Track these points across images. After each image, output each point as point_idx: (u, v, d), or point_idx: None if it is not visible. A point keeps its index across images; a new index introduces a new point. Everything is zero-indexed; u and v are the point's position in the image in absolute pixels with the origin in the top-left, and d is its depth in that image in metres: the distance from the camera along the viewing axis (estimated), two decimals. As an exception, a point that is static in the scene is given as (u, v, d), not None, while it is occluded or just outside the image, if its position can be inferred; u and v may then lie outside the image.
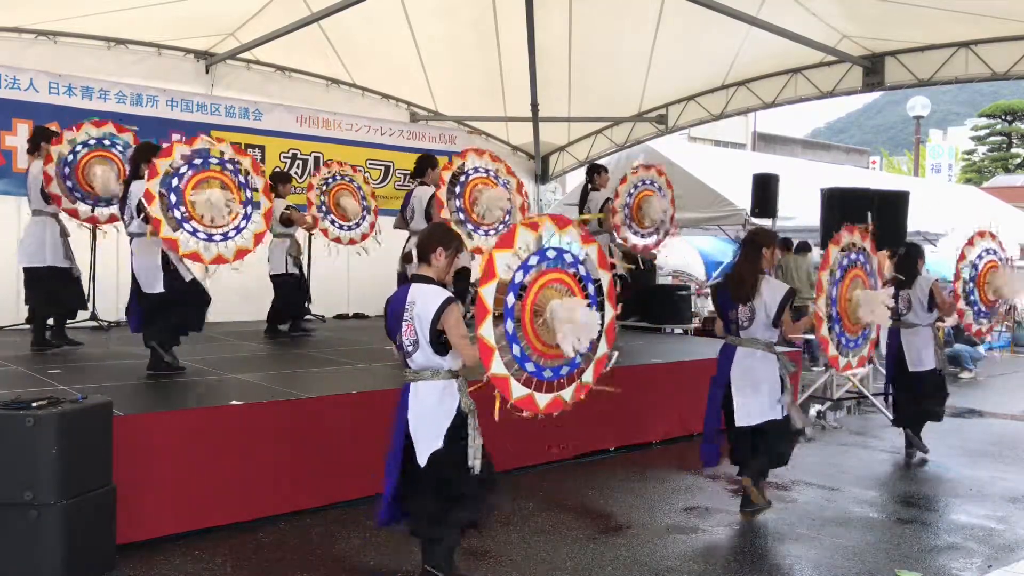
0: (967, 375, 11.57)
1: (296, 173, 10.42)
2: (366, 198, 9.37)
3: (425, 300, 3.58)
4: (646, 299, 11.05)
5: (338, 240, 9.20)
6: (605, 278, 3.72)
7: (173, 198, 5.34)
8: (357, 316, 10.85)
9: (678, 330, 11.08)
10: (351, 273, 10.62)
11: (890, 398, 7.38)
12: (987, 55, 8.99)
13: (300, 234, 8.75)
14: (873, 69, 9.88)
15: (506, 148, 13.42)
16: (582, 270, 3.62)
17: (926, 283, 6.95)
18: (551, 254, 3.49)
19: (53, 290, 6.92)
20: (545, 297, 3.49)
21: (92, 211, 7.32)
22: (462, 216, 6.85)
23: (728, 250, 15.31)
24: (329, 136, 11.05)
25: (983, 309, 6.58)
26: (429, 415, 3.63)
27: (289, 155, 10.71)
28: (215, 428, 4.69)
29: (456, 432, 3.61)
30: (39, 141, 6.93)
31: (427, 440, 3.62)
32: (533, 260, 3.42)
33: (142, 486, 4.28)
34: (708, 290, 16.52)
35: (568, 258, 3.57)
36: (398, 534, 4.61)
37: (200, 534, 4.48)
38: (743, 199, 10.98)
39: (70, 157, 6.89)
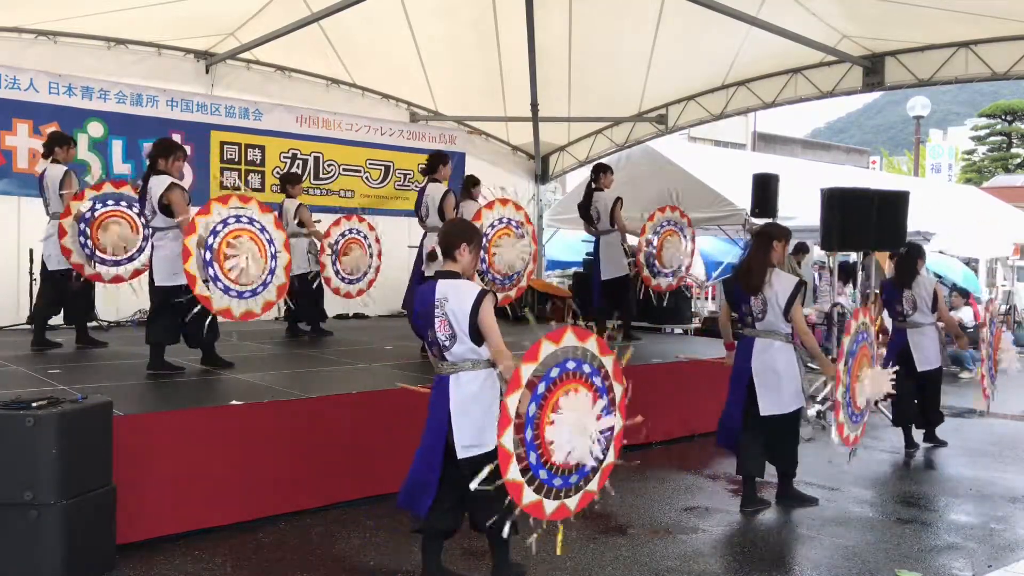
0: (967, 375, 11.57)
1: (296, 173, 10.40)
2: (373, 255, 8.88)
3: (459, 295, 3.64)
4: (646, 299, 11.06)
5: (337, 292, 8.70)
6: (618, 389, 3.72)
7: (207, 255, 5.48)
8: (357, 316, 10.85)
9: (678, 330, 11.08)
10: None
11: (890, 398, 7.38)
12: (987, 55, 8.99)
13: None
14: (873, 69, 9.88)
15: (506, 148, 13.44)
16: (598, 381, 3.62)
17: (929, 283, 6.98)
18: (571, 365, 3.52)
19: (62, 292, 6.94)
20: (557, 406, 3.52)
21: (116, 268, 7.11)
22: (489, 276, 6.85)
23: (728, 250, 15.29)
24: (329, 136, 11.06)
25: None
26: (471, 404, 3.68)
27: (289, 155, 10.71)
28: (215, 428, 4.70)
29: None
30: (54, 146, 6.95)
31: (470, 430, 3.67)
32: (554, 372, 3.46)
33: (142, 486, 4.28)
34: (708, 290, 16.57)
35: (586, 368, 3.58)
36: (398, 534, 4.62)
37: (200, 534, 4.48)
38: (743, 199, 10.96)
39: (82, 226, 6.78)
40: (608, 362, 3.66)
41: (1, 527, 3.60)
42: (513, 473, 3.36)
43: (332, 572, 4.14)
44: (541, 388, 3.42)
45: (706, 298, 16.40)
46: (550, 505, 3.52)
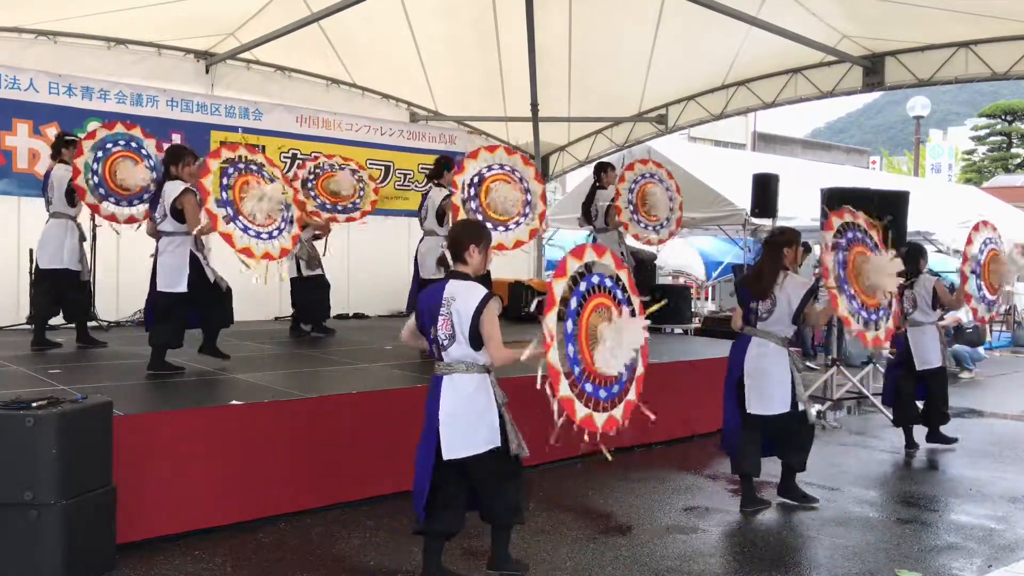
0: (967, 375, 11.57)
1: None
2: (357, 171, 8.85)
3: (466, 296, 3.66)
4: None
5: (335, 218, 8.63)
6: (636, 301, 3.92)
7: (224, 195, 5.54)
8: (357, 316, 10.85)
9: (678, 330, 11.08)
10: (351, 274, 10.63)
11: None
12: (987, 55, 8.99)
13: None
14: (873, 69, 9.89)
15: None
16: (619, 294, 3.80)
17: (929, 282, 6.98)
18: (595, 280, 3.69)
19: (61, 292, 6.95)
20: (594, 322, 3.66)
21: (130, 208, 7.06)
22: (480, 216, 6.81)
23: (728, 250, 15.32)
24: (329, 136, 11.06)
25: (988, 296, 6.60)
26: (462, 407, 3.69)
27: (289, 155, 10.70)
28: (215, 428, 4.69)
29: (502, 427, 3.75)
30: (60, 147, 6.97)
31: (459, 432, 3.69)
32: (583, 286, 3.63)
33: (142, 486, 4.28)
34: (708, 290, 16.58)
35: (608, 283, 3.76)
36: (398, 534, 4.62)
37: (200, 534, 4.48)
38: (743, 199, 10.98)
39: (95, 165, 6.78)
40: (623, 276, 3.88)
41: (1, 527, 3.60)
42: (564, 390, 3.47)
43: (332, 572, 4.14)
44: (574, 303, 3.57)
45: (706, 298, 16.41)
46: (600, 418, 3.66)
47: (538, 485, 5.54)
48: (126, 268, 7.85)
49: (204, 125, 9.89)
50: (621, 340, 3.65)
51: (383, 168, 11.64)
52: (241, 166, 5.74)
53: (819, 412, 8.43)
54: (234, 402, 4.91)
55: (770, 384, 5.13)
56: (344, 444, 5.12)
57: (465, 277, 3.75)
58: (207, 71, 10.44)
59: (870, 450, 7.13)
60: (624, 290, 3.83)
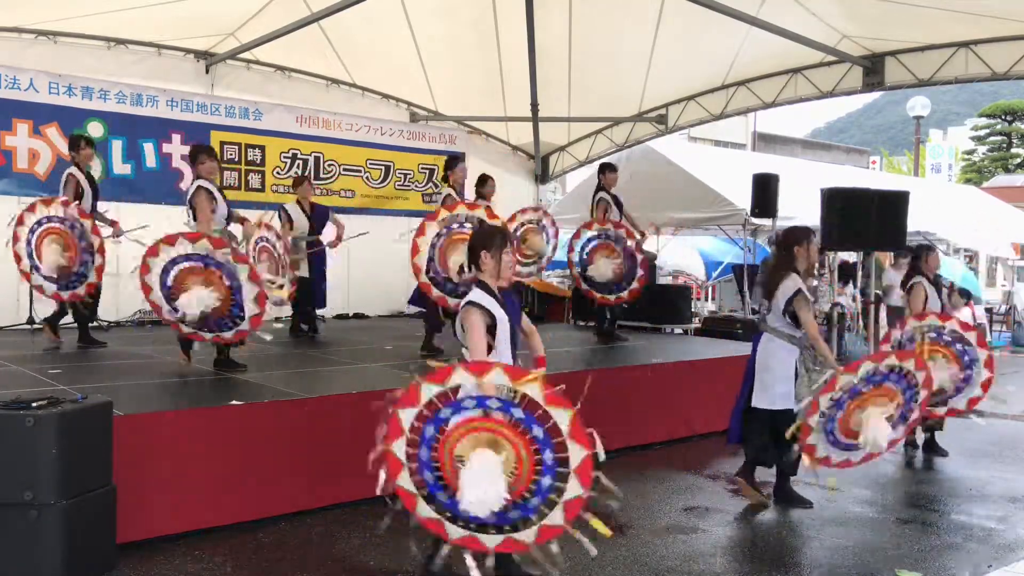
0: (967, 375, 11.55)
1: (296, 173, 10.41)
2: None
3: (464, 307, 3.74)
4: (646, 299, 11.06)
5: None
6: (578, 452, 3.26)
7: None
8: (357, 316, 10.85)
9: (678, 330, 11.08)
10: (351, 274, 10.64)
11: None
12: (987, 55, 8.99)
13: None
14: (873, 69, 9.89)
15: (506, 148, 13.44)
16: (536, 432, 3.22)
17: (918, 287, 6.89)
18: (493, 404, 3.21)
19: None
20: (474, 444, 3.26)
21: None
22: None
23: (728, 250, 15.31)
24: (329, 136, 11.06)
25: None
26: None
27: (289, 155, 10.71)
28: (215, 428, 4.70)
29: None
30: (69, 149, 7.17)
31: None
32: (468, 403, 3.22)
33: (142, 486, 4.28)
34: (708, 290, 16.58)
35: (517, 414, 3.21)
36: (398, 534, 4.61)
37: (200, 534, 4.48)
38: (743, 199, 10.97)
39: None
40: (560, 416, 3.23)
41: (1, 527, 3.60)
42: (422, 511, 3.26)
43: (332, 572, 4.14)
44: (429, 431, 3.27)
45: (706, 298, 16.42)
46: (490, 540, 3.31)
47: (538, 485, 5.53)
48: (125, 269, 7.81)
49: (204, 125, 9.89)
50: (482, 482, 3.17)
51: (383, 168, 11.65)
52: (181, 260, 5.51)
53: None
54: (234, 402, 4.91)
55: (771, 379, 5.19)
56: (344, 444, 5.11)
57: (480, 284, 3.78)
58: (207, 71, 10.44)
59: (870, 450, 7.13)
60: (533, 411, 3.19)
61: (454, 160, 7.79)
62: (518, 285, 9.23)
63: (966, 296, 12.69)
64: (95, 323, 8.42)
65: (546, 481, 3.25)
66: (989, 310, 15.60)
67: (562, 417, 3.21)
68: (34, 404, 3.73)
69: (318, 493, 5.00)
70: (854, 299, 11.75)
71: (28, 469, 3.61)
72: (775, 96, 10.98)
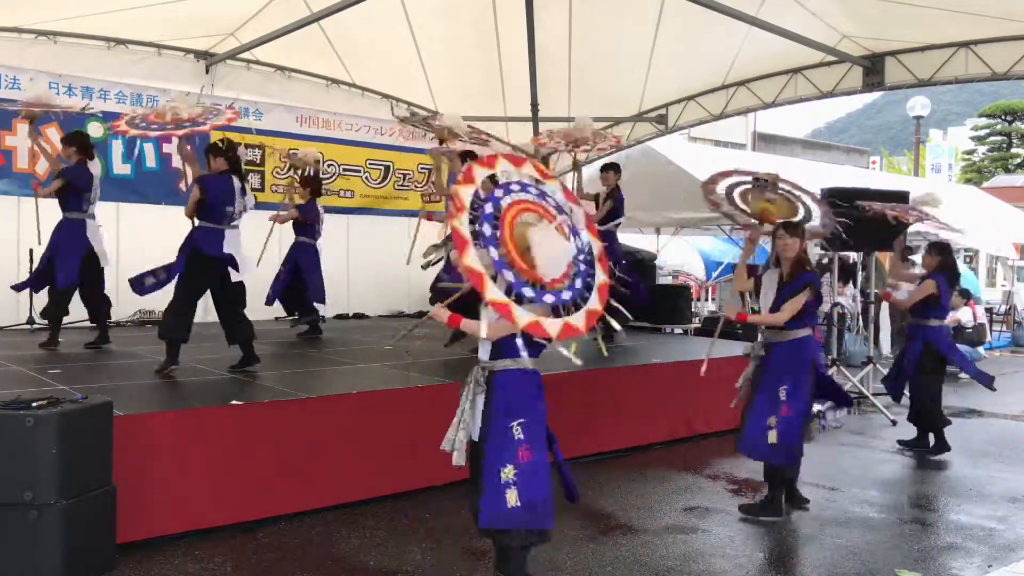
0: (967, 375, 11.56)
1: (297, 173, 10.40)
2: None
3: None
4: (646, 299, 11.05)
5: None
6: (577, 209, 3.66)
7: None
8: (357, 316, 10.85)
9: (678, 330, 11.08)
10: (351, 274, 10.64)
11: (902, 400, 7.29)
12: (987, 55, 8.98)
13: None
14: (873, 69, 9.87)
15: (506, 148, 13.43)
16: (550, 201, 3.57)
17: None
18: (515, 187, 3.48)
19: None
20: (523, 224, 3.42)
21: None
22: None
23: (728, 250, 15.31)
24: (329, 136, 11.06)
25: None
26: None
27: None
28: (215, 428, 4.69)
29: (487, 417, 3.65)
30: (90, 148, 7.11)
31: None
32: (499, 192, 3.42)
33: (142, 486, 4.28)
34: (708, 290, 16.58)
35: (533, 191, 3.55)
36: (398, 534, 4.62)
37: (200, 534, 4.48)
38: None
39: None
40: (555, 188, 3.63)
41: (1, 527, 3.60)
42: (493, 292, 3.19)
43: (332, 572, 4.14)
44: (489, 208, 3.32)
45: (706, 298, 16.41)
46: (552, 325, 3.33)
47: (538, 485, 5.53)
48: (125, 269, 7.80)
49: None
50: (553, 244, 3.37)
51: (383, 168, 11.65)
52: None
53: (819, 412, 8.43)
54: (234, 402, 4.92)
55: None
56: (344, 444, 5.12)
57: None
58: (207, 71, 10.43)
59: (870, 450, 7.13)
60: (557, 207, 3.56)
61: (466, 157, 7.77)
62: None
63: (966, 296, 12.70)
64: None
65: (582, 262, 3.53)
66: (989, 310, 15.60)
67: (578, 213, 3.65)
68: (34, 404, 3.73)
69: (318, 493, 5.00)
70: (854, 299, 11.75)
71: (28, 469, 3.61)
72: (775, 96, 10.96)
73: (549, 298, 3.34)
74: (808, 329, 5.12)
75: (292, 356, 7.48)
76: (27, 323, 8.43)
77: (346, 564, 4.24)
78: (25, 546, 3.61)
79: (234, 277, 5.96)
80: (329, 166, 11.13)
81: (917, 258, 9.58)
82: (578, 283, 3.48)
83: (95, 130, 9.17)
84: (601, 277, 3.58)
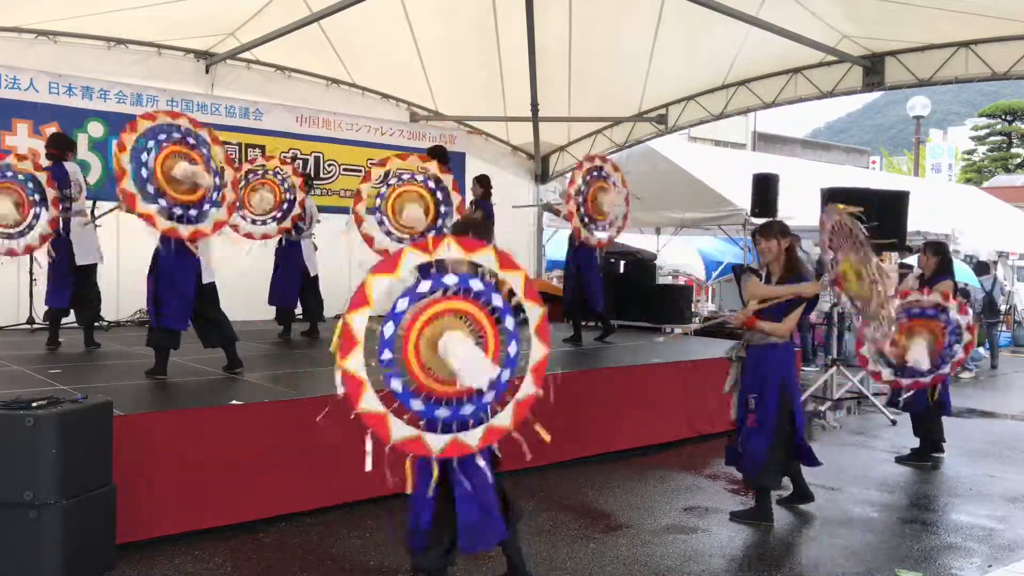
0: (967, 375, 11.57)
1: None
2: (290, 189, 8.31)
3: None
4: (646, 299, 11.06)
5: (249, 235, 8.17)
6: (534, 311, 3.23)
7: (145, 172, 5.21)
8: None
9: (678, 330, 11.07)
10: (351, 273, 10.62)
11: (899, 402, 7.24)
12: (987, 55, 8.98)
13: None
14: (873, 69, 9.88)
15: (506, 148, 13.44)
16: (496, 300, 3.13)
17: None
18: (449, 280, 3.05)
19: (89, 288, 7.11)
20: (440, 327, 3.05)
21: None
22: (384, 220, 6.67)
23: (728, 250, 15.31)
24: (329, 136, 11.07)
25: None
26: None
27: (289, 155, 10.69)
28: (215, 428, 4.70)
29: None
30: (67, 151, 7.13)
31: None
32: (423, 286, 3.02)
33: (142, 486, 4.28)
34: (708, 289, 16.59)
35: (476, 285, 3.09)
36: (398, 534, 4.61)
37: (200, 534, 4.48)
38: (743, 199, 10.98)
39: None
40: (516, 279, 3.16)
41: (1, 527, 3.60)
42: (369, 402, 2.94)
43: (332, 572, 4.14)
44: (402, 304, 2.98)
45: (706, 298, 16.42)
46: (436, 440, 3.06)
47: (538, 485, 5.54)
48: (126, 268, 7.84)
49: (204, 125, 9.87)
50: (462, 354, 3.02)
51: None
52: (162, 137, 5.31)
53: (819, 412, 8.44)
54: (234, 402, 4.92)
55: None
56: (344, 444, 5.10)
57: None
58: (207, 71, 10.43)
59: (870, 450, 7.13)
60: (510, 296, 3.15)
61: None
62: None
63: (965, 296, 12.69)
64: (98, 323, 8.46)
65: (512, 348, 3.16)
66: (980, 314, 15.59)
67: (516, 280, 3.16)
68: (34, 404, 3.73)
69: (318, 493, 5.00)
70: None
71: (28, 469, 3.61)
72: (775, 96, 10.97)
73: (443, 412, 3.08)
74: (783, 338, 4.97)
75: (292, 356, 7.48)
76: (27, 323, 8.44)
77: (346, 564, 4.24)
78: (25, 546, 3.61)
79: (205, 279, 5.77)
80: (329, 166, 11.14)
81: (912, 260, 9.58)
82: (486, 397, 3.14)
83: (95, 130, 9.20)
84: (527, 391, 3.25)
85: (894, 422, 8.05)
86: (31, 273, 8.21)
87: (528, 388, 3.28)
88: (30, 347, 7.12)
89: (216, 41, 10.25)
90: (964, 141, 45.79)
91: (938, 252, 6.85)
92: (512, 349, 3.19)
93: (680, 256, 16.29)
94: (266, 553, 4.35)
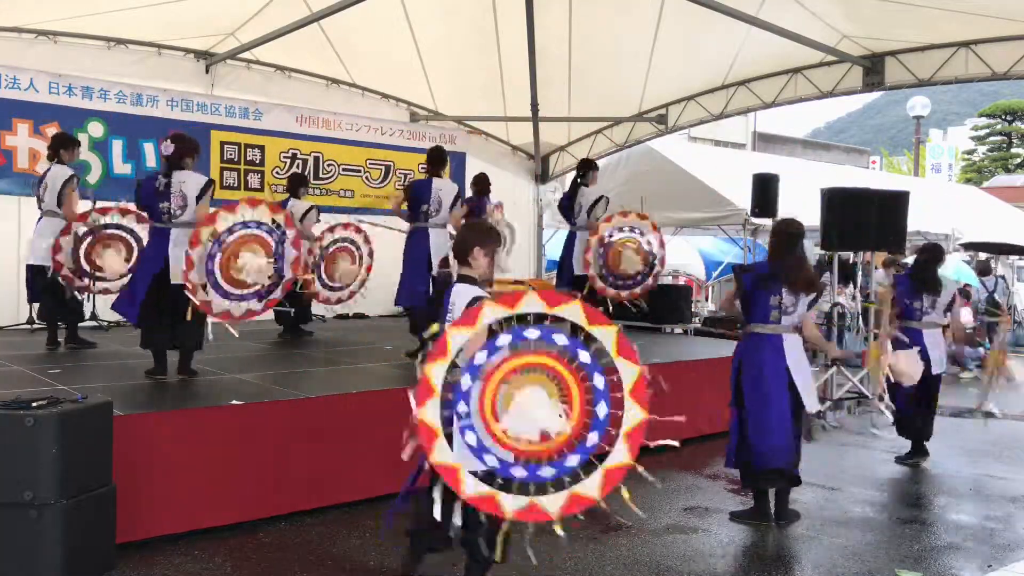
0: (967, 375, 11.56)
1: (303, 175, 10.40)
2: (361, 266, 8.47)
3: (462, 301, 3.53)
4: (646, 299, 11.04)
5: (327, 300, 8.45)
6: (628, 372, 3.05)
7: (210, 265, 5.27)
8: (357, 316, 10.85)
9: (678, 330, 11.07)
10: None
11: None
12: (987, 55, 8.98)
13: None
14: (873, 69, 9.88)
15: (506, 148, 13.44)
16: (583, 356, 2.99)
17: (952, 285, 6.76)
18: (531, 334, 2.96)
19: (48, 287, 6.96)
20: (521, 383, 2.96)
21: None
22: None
23: (728, 250, 15.31)
24: (329, 136, 11.06)
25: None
26: None
27: (289, 155, 10.71)
28: (215, 428, 4.70)
29: None
30: (59, 148, 6.98)
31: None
32: (503, 340, 2.95)
33: (142, 486, 4.28)
34: (708, 290, 16.58)
35: (560, 340, 2.98)
36: (398, 534, 4.61)
37: (200, 534, 4.48)
38: (743, 199, 10.98)
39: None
40: (609, 336, 2.99)
41: (1, 527, 3.60)
42: (442, 454, 2.87)
43: (332, 572, 4.14)
44: (481, 357, 2.91)
45: (706, 298, 16.41)
46: (511, 502, 2.93)
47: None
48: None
49: (204, 125, 9.89)
50: (521, 399, 2.92)
51: (383, 168, 11.64)
52: (238, 228, 5.36)
53: (819, 412, 8.43)
54: (234, 402, 4.92)
55: (808, 378, 5.07)
56: (344, 444, 5.12)
57: (469, 281, 3.67)
58: (207, 71, 10.43)
59: (870, 450, 7.13)
60: (600, 356, 3.00)
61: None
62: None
63: (966, 296, 12.69)
64: (96, 323, 8.45)
65: (601, 410, 3.00)
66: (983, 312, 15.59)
67: (608, 337, 2.98)
68: (34, 404, 3.73)
69: (318, 493, 5.00)
70: (854, 299, 11.75)
71: (28, 469, 3.61)
72: (775, 96, 10.97)
73: (520, 472, 2.95)
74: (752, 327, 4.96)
75: (292, 356, 7.48)
76: (27, 323, 8.43)
77: (346, 564, 4.24)
78: (25, 546, 3.61)
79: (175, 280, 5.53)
80: (329, 166, 11.14)
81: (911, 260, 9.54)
82: (570, 460, 3.01)
83: (95, 130, 9.20)
84: (618, 458, 3.07)
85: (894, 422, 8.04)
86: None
87: (620, 456, 3.06)
88: (30, 347, 7.12)
89: (216, 41, 10.24)
90: (964, 141, 45.80)
91: (923, 251, 6.86)
92: (601, 411, 3.02)
93: (680, 256, 16.28)
94: (266, 553, 4.35)
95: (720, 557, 4.50)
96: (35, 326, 8.33)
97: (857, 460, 6.76)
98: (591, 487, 3.02)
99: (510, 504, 2.92)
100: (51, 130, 8.73)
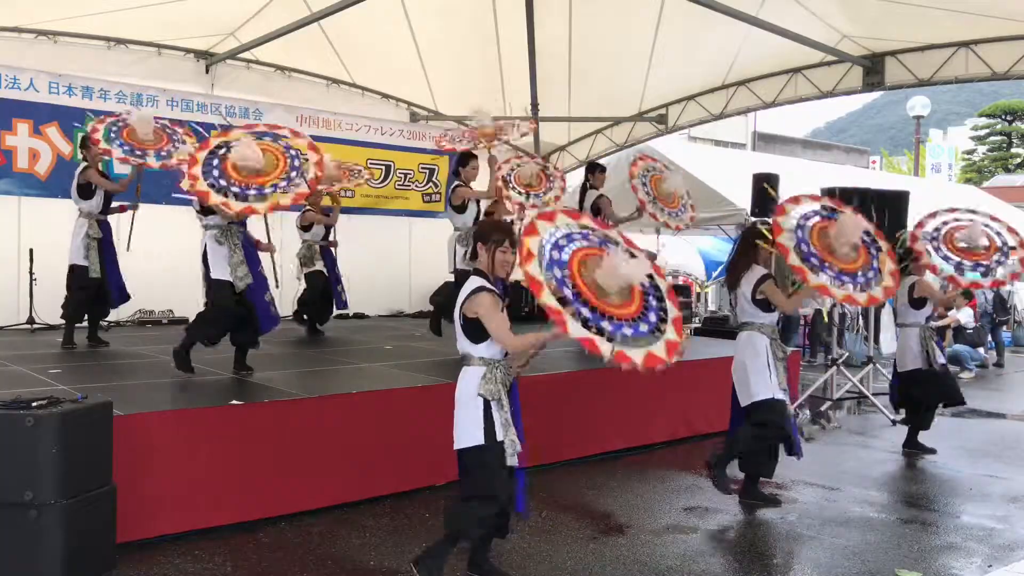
0: (967, 375, 11.56)
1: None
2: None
3: (467, 290, 3.74)
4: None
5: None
6: (661, 281, 3.73)
7: (216, 172, 5.24)
8: (357, 316, 10.85)
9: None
10: (351, 274, 10.61)
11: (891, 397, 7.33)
12: (987, 55, 8.99)
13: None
14: (873, 69, 9.89)
15: (506, 148, 13.42)
16: (611, 247, 3.61)
17: (907, 282, 6.78)
18: (576, 235, 3.57)
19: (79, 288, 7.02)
20: (589, 268, 3.46)
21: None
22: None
23: (728, 250, 15.31)
24: (329, 136, 11.05)
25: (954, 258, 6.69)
26: (463, 402, 3.73)
27: (289, 155, 10.70)
28: (215, 428, 4.69)
29: (490, 427, 3.65)
30: (82, 148, 7.13)
31: (459, 427, 3.72)
32: (563, 239, 3.50)
33: (142, 486, 4.28)
34: (708, 289, 16.59)
35: (594, 237, 3.61)
36: (398, 534, 4.62)
37: (200, 534, 4.48)
38: (743, 199, 10.98)
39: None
40: (613, 234, 3.69)
41: (1, 527, 3.60)
42: (547, 299, 3.22)
43: (332, 572, 4.14)
44: (556, 255, 3.40)
45: (706, 299, 16.41)
46: (605, 346, 3.28)
47: (538, 485, 5.53)
48: (127, 267, 7.80)
49: (204, 125, 9.89)
50: (619, 273, 3.43)
51: (383, 168, 11.64)
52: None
53: (819, 412, 8.44)
54: (234, 402, 4.92)
55: (747, 372, 5.20)
56: (344, 444, 5.12)
57: (479, 273, 3.80)
58: (207, 71, 10.44)
59: (870, 450, 7.13)
60: (615, 242, 3.62)
61: (466, 158, 7.70)
62: (515, 284, 9.17)
63: (968, 296, 12.69)
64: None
65: (651, 301, 3.56)
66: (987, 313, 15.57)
67: (639, 252, 3.67)
68: (34, 404, 3.73)
69: (318, 493, 5.00)
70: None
71: (28, 469, 3.61)
72: (775, 96, 10.98)
73: (627, 331, 3.36)
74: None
75: (292, 356, 7.47)
76: (27, 323, 8.43)
77: (346, 564, 4.24)
78: (25, 546, 3.61)
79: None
80: (329, 166, 11.12)
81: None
82: (651, 317, 3.51)
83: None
84: (673, 312, 3.63)
85: (895, 422, 8.05)
86: (31, 273, 8.21)
87: (671, 334, 3.53)
88: (30, 347, 7.12)
89: (216, 41, 10.25)
90: (964, 141, 45.80)
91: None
92: (652, 301, 3.57)
93: (680, 256, 16.29)
94: (266, 553, 4.35)
95: (720, 557, 4.50)
96: (35, 326, 8.33)
97: (857, 460, 6.76)
98: (660, 350, 3.44)
99: (605, 348, 3.26)
100: (51, 130, 8.75)
